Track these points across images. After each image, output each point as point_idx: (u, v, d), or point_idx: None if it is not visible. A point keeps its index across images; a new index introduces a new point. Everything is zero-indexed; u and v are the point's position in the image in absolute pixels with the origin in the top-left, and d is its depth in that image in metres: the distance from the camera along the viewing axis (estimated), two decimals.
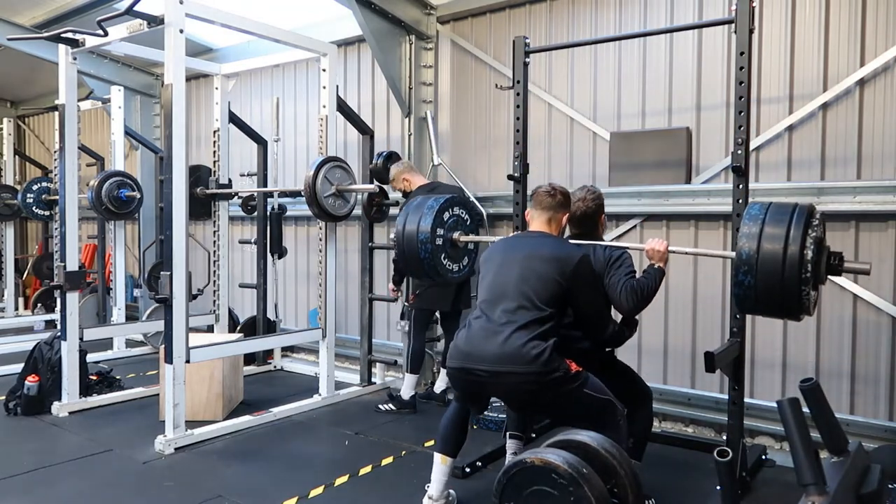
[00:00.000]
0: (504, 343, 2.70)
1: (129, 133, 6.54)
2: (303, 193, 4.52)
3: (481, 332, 2.80)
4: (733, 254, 2.64)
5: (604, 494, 2.28)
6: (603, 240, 3.40)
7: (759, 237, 2.50)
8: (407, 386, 4.73)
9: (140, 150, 7.29)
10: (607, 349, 3.31)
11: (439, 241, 3.44)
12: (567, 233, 3.30)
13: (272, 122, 5.87)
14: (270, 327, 5.98)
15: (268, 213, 5.77)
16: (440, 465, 3.01)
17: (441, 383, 4.96)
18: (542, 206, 3.08)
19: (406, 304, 5.26)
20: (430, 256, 3.39)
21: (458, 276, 3.65)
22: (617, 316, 3.20)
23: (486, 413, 4.38)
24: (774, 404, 2.38)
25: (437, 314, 4.95)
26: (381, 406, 4.75)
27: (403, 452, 3.91)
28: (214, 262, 5.86)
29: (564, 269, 2.80)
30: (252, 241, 6.00)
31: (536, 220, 3.10)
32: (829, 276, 3.72)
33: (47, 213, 7.60)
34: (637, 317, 3.26)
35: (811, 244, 2.45)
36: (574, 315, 2.95)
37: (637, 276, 3.08)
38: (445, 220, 3.47)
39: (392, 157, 5.05)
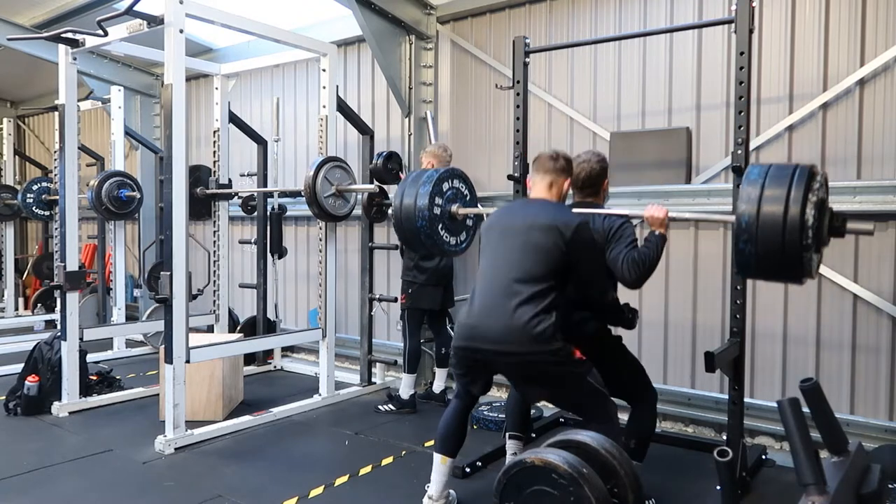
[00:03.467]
0: (510, 318, 2.69)
1: (129, 133, 6.55)
2: (303, 193, 4.52)
3: (485, 307, 2.79)
4: (734, 218, 2.56)
5: (604, 494, 2.28)
6: (603, 207, 3.31)
7: (758, 203, 2.43)
8: (405, 386, 4.74)
9: (140, 150, 7.29)
10: (611, 328, 3.25)
11: (437, 211, 3.37)
12: (570, 199, 3.25)
13: (272, 122, 5.88)
14: (270, 327, 5.99)
15: (268, 213, 5.77)
16: (440, 465, 3.01)
17: (440, 383, 4.95)
18: (543, 170, 3.02)
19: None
20: (428, 225, 3.33)
21: (455, 250, 3.56)
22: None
23: (486, 413, 4.39)
24: (774, 404, 2.38)
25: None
26: (380, 406, 4.75)
27: (403, 452, 3.91)
28: (214, 262, 5.86)
29: (564, 236, 2.75)
30: (252, 241, 6.00)
31: (537, 185, 3.03)
32: (830, 268, 3.79)
33: (47, 213, 7.61)
34: (636, 306, 3.24)
35: (812, 210, 2.38)
36: (574, 283, 2.87)
37: (638, 245, 3.00)
38: (444, 190, 3.42)
39: (392, 157, 5.06)
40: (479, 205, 4.77)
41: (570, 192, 3.20)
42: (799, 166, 2.47)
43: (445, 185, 3.43)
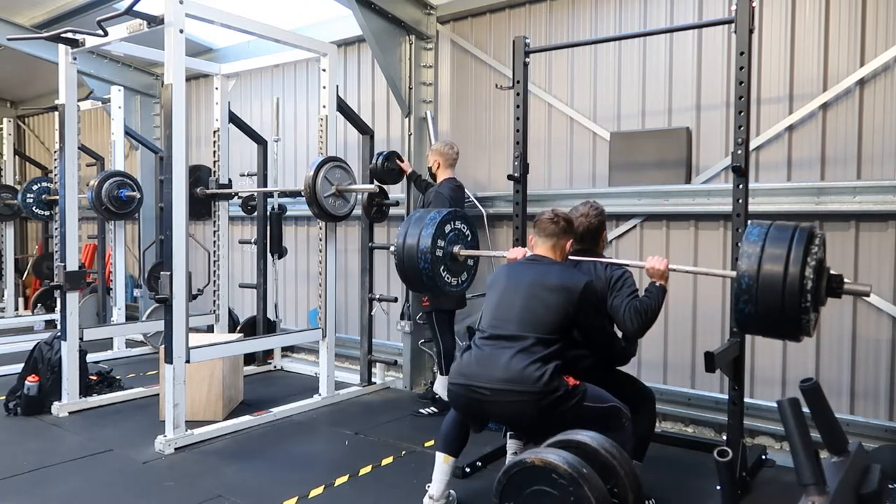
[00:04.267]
0: (507, 364, 2.74)
1: (129, 133, 6.55)
2: (303, 193, 4.52)
3: (485, 355, 2.83)
4: (734, 273, 2.64)
5: (604, 494, 2.28)
6: (603, 255, 3.41)
7: (758, 265, 2.50)
8: (443, 387, 4.68)
9: (140, 150, 7.29)
10: (615, 366, 3.30)
11: (439, 253, 3.45)
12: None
13: (272, 122, 5.88)
14: (270, 327, 5.98)
15: (268, 213, 5.77)
16: (442, 464, 3.01)
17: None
18: (545, 234, 3.08)
19: (406, 304, 5.26)
20: (430, 268, 3.40)
21: (456, 291, 3.67)
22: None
23: None
24: (774, 404, 2.38)
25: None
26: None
27: (403, 452, 3.91)
28: (214, 262, 5.86)
29: (571, 298, 2.83)
30: (252, 241, 6.00)
31: (540, 248, 3.10)
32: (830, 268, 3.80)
33: (47, 213, 7.61)
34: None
35: (811, 274, 2.45)
36: (582, 337, 2.98)
37: (639, 294, 3.09)
38: (446, 232, 3.49)
39: (392, 157, 5.06)
40: (478, 204, 4.79)
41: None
42: (798, 228, 2.54)
43: (448, 227, 3.51)
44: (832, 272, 2.63)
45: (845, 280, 2.64)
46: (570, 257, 3.15)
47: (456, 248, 3.54)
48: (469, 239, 3.64)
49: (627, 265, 3.25)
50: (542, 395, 2.69)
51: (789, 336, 2.62)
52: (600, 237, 3.40)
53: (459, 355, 3.04)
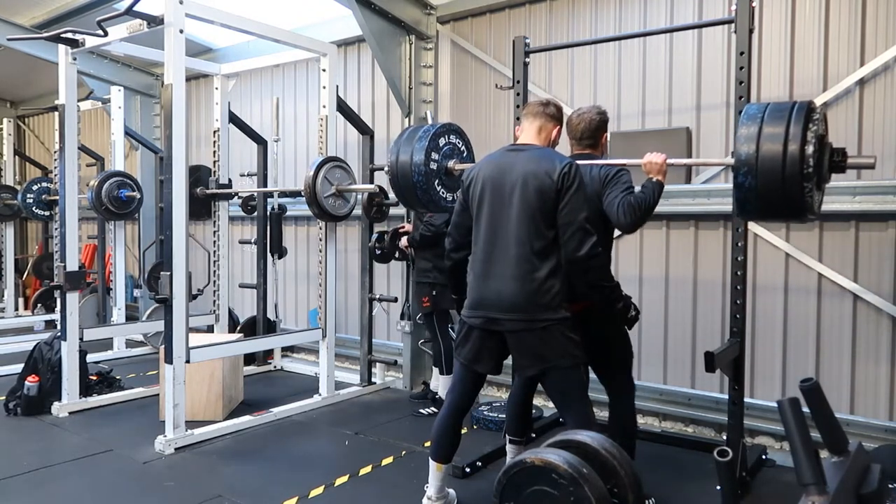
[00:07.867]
0: (522, 285, 2.68)
1: (129, 133, 6.55)
2: (303, 193, 4.52)
3: (495, 275, 2.76)
4: (732, 161, 2.54)
5: (604, 494, 2.28)
6: (601, 159, 3.22)
7: (757, 136, 2.42)
8: (444, 387, 4.70)
9: (140, 150, 7.29)
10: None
11: (433, 166, 3.35)
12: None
13: (272, 122, 5.87)
14: (270, 327, 5.98)
15: (268, 213, 5.77)
16: (435, 471, 3.00)
17: (436, 383, 4.95)
18: (532, 114, 2.95)
19: (406, 304, 5.26)
20: (424, 180, 3.30)
21: (452, 206, 3.49)
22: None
23: (485, 413, 4.38)
24: (774, 404, 2.38)
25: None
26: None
27: (403, 452, 3.91)
28: (214, 262, 5.86)
29: (552, 177, 2.68)
30: (252, 241, 6.01)
31: (526, 131, 2.96)
32: (830, 268, 3.79)
33: (47, 213, 7.62)
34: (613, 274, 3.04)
35: (812, 139, 2.37)
36: (558, 227, 2.71)
37: (636, 191, 2.94)
38: (441, 146, 3.40)
39: None
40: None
41: (569, 144, 3.17)
42: (797, 101, 2.47)
43: (442, 141, 3.40)
44: (835, 147, 2.53)
45: (849, 154, 2.53)
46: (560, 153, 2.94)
47: (451, 163, 3.43)
48: (465, 155, 3.54)
49: (624, 163, 3.08)
50: (555, 322, 2.68)
51: (794, 213, 2.48)
52: (600, 139, 3.22)
53: (470, 280, 2.89)
